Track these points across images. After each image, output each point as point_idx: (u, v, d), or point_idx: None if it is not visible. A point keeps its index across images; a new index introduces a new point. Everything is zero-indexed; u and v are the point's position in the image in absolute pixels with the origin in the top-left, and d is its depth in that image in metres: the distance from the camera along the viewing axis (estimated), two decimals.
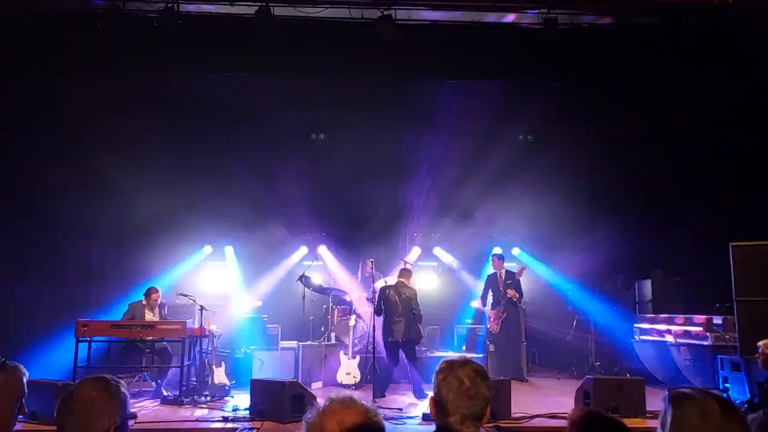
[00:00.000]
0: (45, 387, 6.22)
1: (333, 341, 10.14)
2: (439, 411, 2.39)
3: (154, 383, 8.51)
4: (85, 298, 10.22)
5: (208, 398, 7.97)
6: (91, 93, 9.50)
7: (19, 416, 2.61)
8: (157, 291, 8.96)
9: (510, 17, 8.88)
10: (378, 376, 8.46)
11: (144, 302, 8.82)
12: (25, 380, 2.63)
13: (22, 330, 9.45)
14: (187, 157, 11.04)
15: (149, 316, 8.77)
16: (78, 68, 8.91)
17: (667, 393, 1.99)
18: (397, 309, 8.46)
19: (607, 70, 9.51)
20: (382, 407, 7.32)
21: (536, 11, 8.62)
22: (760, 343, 6.23)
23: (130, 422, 2.28)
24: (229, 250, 12.09)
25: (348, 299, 10.48)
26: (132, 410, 2.30)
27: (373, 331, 8.57)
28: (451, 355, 10.54)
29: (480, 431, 2.40)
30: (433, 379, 2.41)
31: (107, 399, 2.16)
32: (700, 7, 8.46)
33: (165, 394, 8.08)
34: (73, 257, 10.26)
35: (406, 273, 8.91)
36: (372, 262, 9.74)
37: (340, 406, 1.78)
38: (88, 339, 7.79)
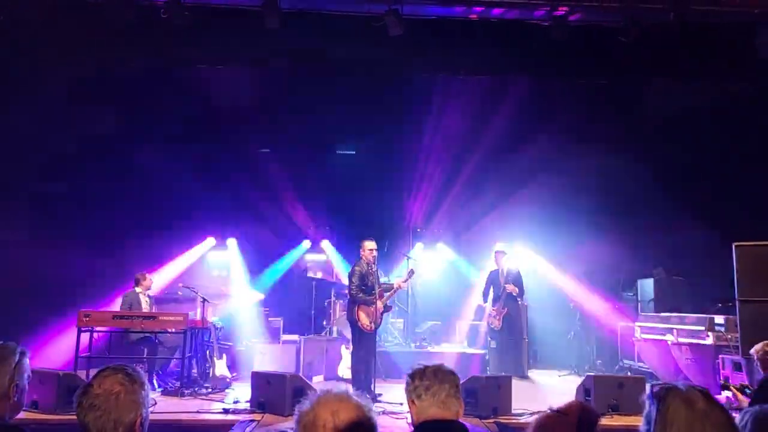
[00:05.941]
0: (46, 376, 6.15)
1: (335, 335, 10.15)
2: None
3: (155, 377, 8.51)
4: (86, 288, 10.22)
5: (209, 390, 8.00)
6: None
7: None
8: (144, 274, 8.98)
9: (517, 13, 8.81)
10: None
11: (137, 289, 8.83)
12: (13, 360, 2.51)
13: (23, 320, 9.45)
14: (192, 150, 11.02)
15: (145, 303, 8.79)
16: (82, 58, 8.89)
17: (649, 390, 2.01)
18: None
19: (617, 70, 9.47)
20: (382, 402, 7.35)
21: (546, 8, 8.55)
22: (752, 351, 6.22)
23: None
24: (231, 242, 12.12)
25: None
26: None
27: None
28: (454, 349, 10.59)
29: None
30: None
31: (131, 392, 2.08)
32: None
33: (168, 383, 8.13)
34: (72, 252, 10.24)
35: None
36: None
37: (334, 398, 1.78)
38: (90, 329, 7.80)
